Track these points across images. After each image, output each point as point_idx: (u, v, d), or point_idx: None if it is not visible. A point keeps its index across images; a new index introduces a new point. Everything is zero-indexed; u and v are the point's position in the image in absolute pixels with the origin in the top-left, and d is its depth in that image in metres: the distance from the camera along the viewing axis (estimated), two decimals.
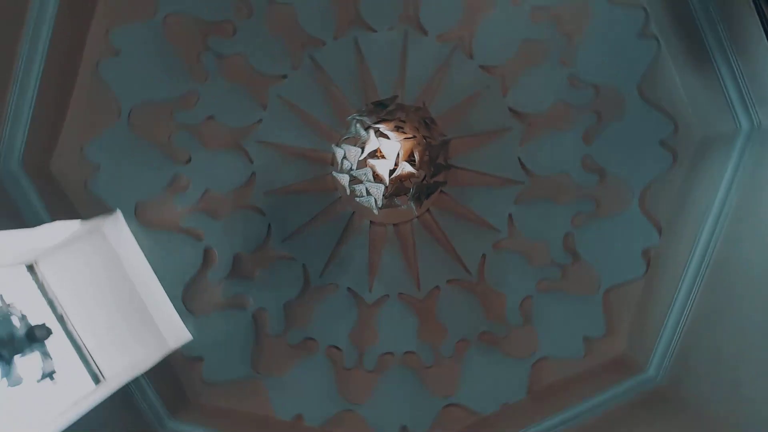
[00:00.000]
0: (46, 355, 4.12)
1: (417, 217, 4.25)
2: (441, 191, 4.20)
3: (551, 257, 4.20)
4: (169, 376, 4.26)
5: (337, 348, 4.34)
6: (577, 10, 3.93)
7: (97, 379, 4.27)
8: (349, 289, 4.30)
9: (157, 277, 4.16)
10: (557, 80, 4.04)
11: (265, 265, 4.25)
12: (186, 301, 4.20)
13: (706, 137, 3.96)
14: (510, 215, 4.22)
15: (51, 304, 4.25)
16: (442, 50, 4.11)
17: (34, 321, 4.10)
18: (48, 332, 4.11)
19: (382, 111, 3.84)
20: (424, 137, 3.79)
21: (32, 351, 3.96)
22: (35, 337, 4.02)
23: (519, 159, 4.17)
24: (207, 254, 4.20)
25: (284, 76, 4.14)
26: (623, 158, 4.07)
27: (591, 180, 4.10)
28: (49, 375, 4.07)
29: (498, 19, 4.04)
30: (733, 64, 3.53)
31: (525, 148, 4.15)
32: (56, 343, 4.16)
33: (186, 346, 4.27)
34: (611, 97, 4.01)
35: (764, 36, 3.27)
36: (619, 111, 4.02)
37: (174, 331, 4.31)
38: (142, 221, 4.13)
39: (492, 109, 4.12)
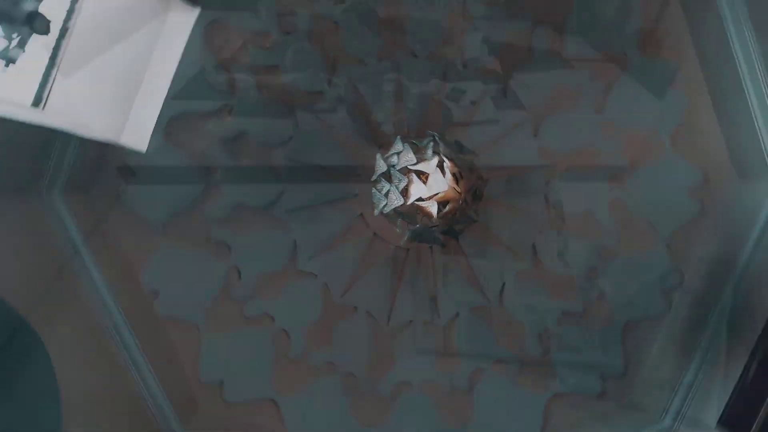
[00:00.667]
0: (23, 44, 3.80)
1: (397, 246, 4.25)
2: (431, 247, 4.23)
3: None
4: (94, 170, 3.96)
5: (238, 272, 4.17)
6: (644, 231, 4.15)
7: (37, 103, 3.94)
8: (295, 242, 4.20)
9: (170, 87, 3.96)
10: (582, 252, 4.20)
11: (257, 159, 4.11)
12: (172, 122, 3.99)
13: (635, 401, 4.17)
14: (457, 314, 4.27)
15: (69, 12, 3.95)
16: (532, 145, 4.25)
17: (43, 11, 3.81)
18: (45, 30, 3.81)
19: (456, 153, 3.91)
20: (464, 201, 3.86)
21: (14, 30, 3.65)
22: (33, 23, 3.70)
23: (503, 284, 4.25)
24: (225, 108, 4.05)
25: (415, 55, 4.16)
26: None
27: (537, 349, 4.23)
28: (7, 61, 3.74)
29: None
30: (700, 378, 3.77)
31: (517, 282, 4.25)
32: (38, 45, 3.85)
33: (131, 153, 4.01)
34: (605, 310, 4.21)
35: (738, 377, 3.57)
36: (603, 322, 4.20)
37: (136, 132, 4.04)
38: (206, 36, 3.96)
39: (523, 233, 4.24)
